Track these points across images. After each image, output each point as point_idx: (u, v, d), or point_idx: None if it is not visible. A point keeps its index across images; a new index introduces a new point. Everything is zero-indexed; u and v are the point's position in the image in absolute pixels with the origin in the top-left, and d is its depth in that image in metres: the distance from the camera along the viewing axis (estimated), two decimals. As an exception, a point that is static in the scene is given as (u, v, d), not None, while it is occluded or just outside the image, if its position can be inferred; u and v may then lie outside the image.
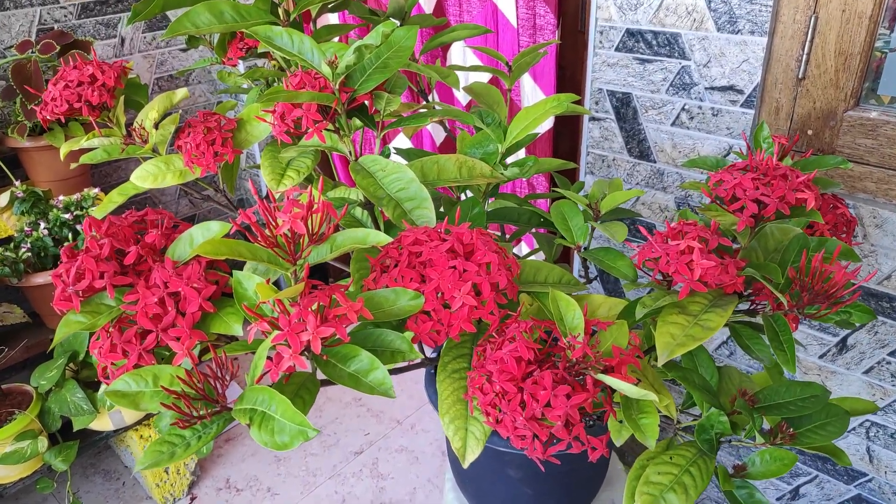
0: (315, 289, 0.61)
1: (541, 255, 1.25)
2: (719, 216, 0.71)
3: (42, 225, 1.79)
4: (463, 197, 1.06)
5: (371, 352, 0.65)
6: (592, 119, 1.52)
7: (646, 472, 0.72)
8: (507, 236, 1.30)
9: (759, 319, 0.75)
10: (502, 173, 0.86)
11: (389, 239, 0.62)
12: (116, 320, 0.60)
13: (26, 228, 1.79)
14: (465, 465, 0.68)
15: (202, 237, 0.64)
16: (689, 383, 0.70)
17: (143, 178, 1.00)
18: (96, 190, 1.99)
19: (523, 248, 1.85)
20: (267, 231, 0.59)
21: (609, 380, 0.62)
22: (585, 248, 0.88)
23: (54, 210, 1.82)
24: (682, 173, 1.43)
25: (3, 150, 1.96)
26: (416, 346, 0.66)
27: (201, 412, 0.58)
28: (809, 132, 1.27)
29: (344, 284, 0.62)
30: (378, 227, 0.90)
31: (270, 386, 0.59)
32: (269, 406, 0.58)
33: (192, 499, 1.97)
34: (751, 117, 1.31)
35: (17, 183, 1.86)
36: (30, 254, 1.75)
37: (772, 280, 0.71)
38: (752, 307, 0.76)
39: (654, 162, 1.46)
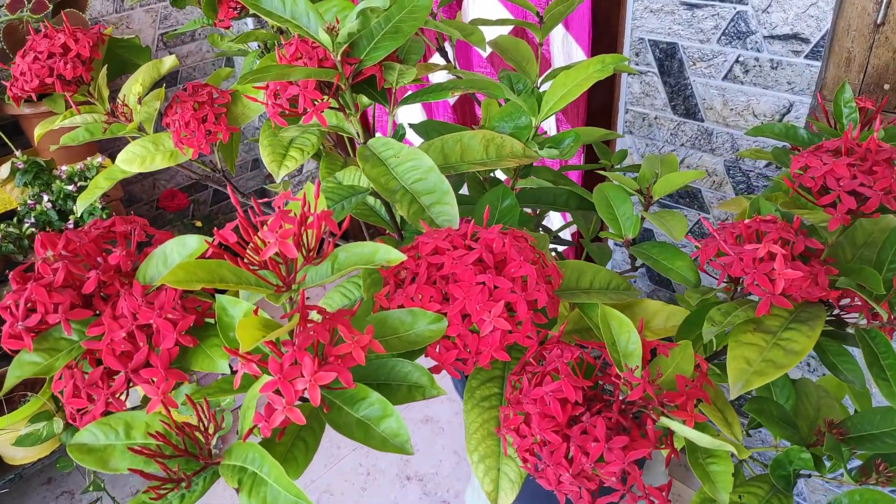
0: (312, 318, 0.49)
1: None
2: (807, 213, 0.58)
3: (45, 198, 1.70)
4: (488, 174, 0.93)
5: (383, 387, 0.54)
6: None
7: (711, 515, 0.61)
8: (538, 210, 1.18)
9: (849, 330, 0.62)
10: (536, 152, 0.73)
11: (402, 257, 0.50)
12: (79, 358, 0.50)
13: (29, 202, 1.70)
14: (498, 512, 0.58)
15: (178, 255, 0.53)
16: (766, 417, 0.59)
17: (129, 161, 0.89)
18: (101, 158, 1.89)
19: (553, 221, 1.71)
20: (252, 253, 0.48)
21: (676, 426, 0.51)
22: (634, 242, 0.75)
23: (57, 181, 1.73)
24: (734, 133, 1.28)
25: (2, 117, 1.86)
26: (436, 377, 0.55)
27: (181, 472, 0.48)
28: (886, 86, 1.11)
29: (348, 311, 0.51)
30: (393, 218, 0.78)
31: (263, 441, 0.49)
32: (262, 468, 0.47)
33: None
34: (816, 70, 1.14)
35: (18, 152, 1.77)
36: (34, 229, 1.67)
37: (866, 288, 0.58)
38: (838, 315, 0.64)
39: (702, 121, 1.31)
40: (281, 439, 0.54)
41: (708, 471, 0.54)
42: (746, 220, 0.59)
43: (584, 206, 0.83)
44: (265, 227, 0.47)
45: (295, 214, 0.48)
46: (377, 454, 1.95)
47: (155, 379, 0.50)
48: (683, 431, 0.51)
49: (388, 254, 0.50)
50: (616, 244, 1.52)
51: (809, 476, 0.63)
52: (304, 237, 0.49)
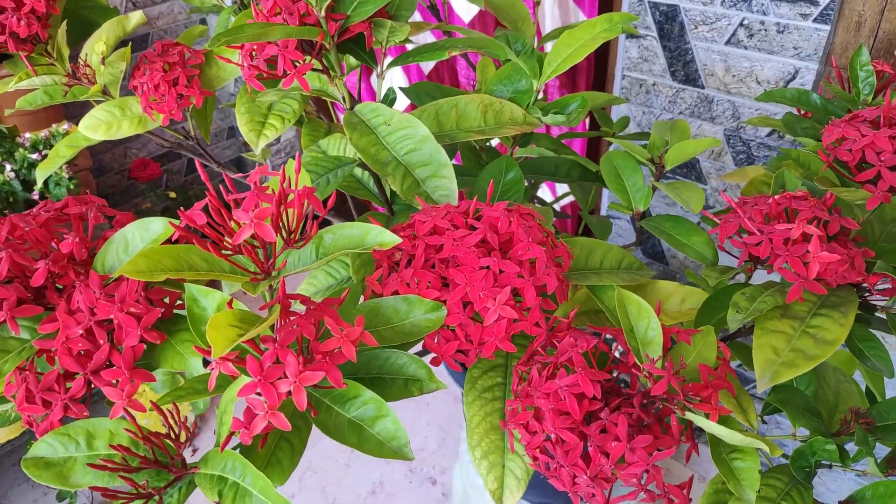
0: (295, 310, 0.43)
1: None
2: (846, 192, 0.52)
3: (8, 167, 1.60)
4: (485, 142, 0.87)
5: (377, 381, 0.49)
6: (630, 37, 1.29)
7: (728, 511, 0.57)
8: (532, 181, 1.12)
9: (879, 314, 0.58)
10: (539, 118, 0.67)
11: (397, 240, 0.44)
12: (31, 359, 0.44)
13: (-10, 171, 1.61)
14: (503, 513, 0.53)
15: (141, 240, 0.46)
16: (792, 407, 0.54)
17: (93, 128, 0.81)
18: (67, 125, 1.79)
19: (547, 194, 1.65)
20: (225, 237, 0.41)
21: (701, 421, 0.46)
22: (644, 215, 0.70)
23: (20, 150, 1.63)
24: (735, 101, 1.23)
25: (-41, 81, 1.75)
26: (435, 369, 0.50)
27: (150, 486, 0.42)
28: (897, 51, 1.06)
29: (335, 299, 0.45)
30: (383, 191, 0.72)
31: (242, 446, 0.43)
32: (244, 477, 0.42)
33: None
34: (825, 35, 1.09)
35: (-23, 119, 1.66)
36: (-4, 200, 1.57)
37: (903, 269, 0.53)
38: (864, 298, 0.59)
39: (702, 88, 1.25)
40: (263, 443, 0.49)
41: (732, 467, 0.50)
42: (776, 197, 0.54)
43: (588, 178, 0.77)
44: (239, 206, 0.41)
45: (273, 192, 0.42)
46: (362, 430, 1.91)
47: (118, 381, 0.44)
48: (710, 428, 0.46)
49: (381, 236, 0.44)
50: (615, 217, 1.47)
51: (830, 467, 0.59)
52: (284, 217, 0.43)
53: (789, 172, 0.60)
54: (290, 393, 0.41)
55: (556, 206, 1.75)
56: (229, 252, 0.43)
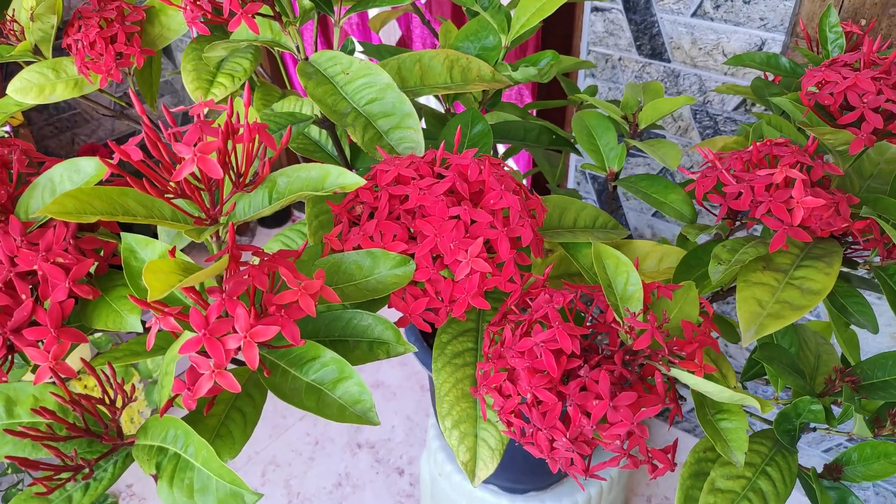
0: (247, 261, 0.39)
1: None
2: (829, 135, 0.50)
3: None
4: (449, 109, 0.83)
5: (339, 344, 0.45)
6: (595, 10, 1.27)
7: (711, 477, 0.54)
8: (499, 156, 1.09)
9: (861, 272, 0.56)
10: (509, 75, 0.63)
11: (360, 182, 0.40)
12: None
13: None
14: (476, 484, 0.50)
15: (70, 183, 0.41)
16: (778, 364, 0.52)
17: (24, 91, 0.75)
18: None
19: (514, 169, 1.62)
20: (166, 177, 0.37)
21: (687, 377, 0.43)
22: (617, 176, 0.67)
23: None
24: (702, 75, 1.21)
25: None
26: (404, 332, 0.46)
27: (79, 458, 0.37)
28: (863, 22, 1.05)
29: (291, 251, 0.41)
30: (342, 152, 0.67)
31: (188, 414, 0.39)
32: (186, 448, 0.37)
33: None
34: (791, 5, 1.08)
35: None
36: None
37: (889, 220, 0.51)
38: (847, 254, 0.57)
39: (669, 62, 1.23)
40: (211, 411, 0.44)
41: (719, 428, 0.47)
42: (757, 144, 0.51)
43: (559, 143, 0.74)
44: (180, 141, 0.36)
45: (219, 126, 0.37)
46: (325, 422, 1.86)
47: (43, 341, 0.38)
48: (697, 384, 0.43)
49: (342, 177, 0.40)
50: (584, 194, 1.44)
51: (815, 430, 0.57)
52: (233, 156, 0.38)
53: (766, 125, 0.58)
54: (239, 350, 0.36)
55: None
56: (171, 195, 0.38)
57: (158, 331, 0.38)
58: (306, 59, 0.58)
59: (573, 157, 1.38)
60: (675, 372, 0.43)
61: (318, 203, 0.57)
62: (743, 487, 0.54)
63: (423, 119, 0.81)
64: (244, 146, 0.38)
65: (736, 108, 1.21)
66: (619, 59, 1.29)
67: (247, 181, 0.39)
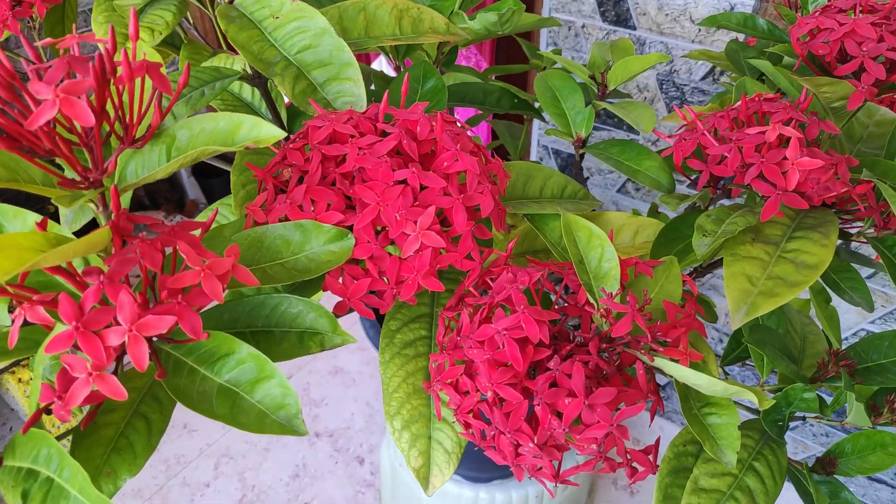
0: (138, 233, 0.31)
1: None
2: (827, 86, 0.44)
3: None
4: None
5: (262, 335, 0.37)
6: (558, -27, 1.20)
7: (694, 475, 0.49)
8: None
9: (854, 246, 0.51)
10: (466, 27, 0.56)
11: (279, 134, 0.32)
12: None
13: None
14: (430, 494, 0.43)
15: None
16: (770, 349, 0.46)
17: None
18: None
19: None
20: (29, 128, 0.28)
21: (673, 368, 0.37)
22: (585, 142, 0.60)
23: None
24: (668, 42, 1.16)
25: None
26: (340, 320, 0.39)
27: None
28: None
29: (199, 223, 0.33)
30: (277, 115, 0.59)
31: (78, 428, 0.31)
32: (60, 471, 0.30)
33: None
34: (762, -34, 1.02)
35: None
36: None
37: (888, 184, 0.46)
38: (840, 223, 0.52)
39: (634, 28, 1.17)
40: (108, 419, 0.36)
41: (707, 423, 0.41)
42: (746, 99, 0.45)
43: (521, 107, 0.67)
44: (39, 79, 0.28)
45: (95, 63, 0.29)
46: (281, 411, 1.78)
47: None
48: (685, 376, 0.37)
49: (257, 129, 0.32)
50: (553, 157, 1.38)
51: (804, 420, 0.52)
52: (118, 102, 0.30)
53: (751, 81, 0.52)
54: (124, 346, 0.29)
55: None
56: (36, 152, 0.30)
57: (24, 324, 0.30)
58: (231, 2, 0.50)
59: (536, 130, 1.32)
60: (660, 362, 0.37)
61: (246, 170, 0.49)
62: (729, 486, 0.48)
63: (373, 83, 0.74)
64: (133, 90, 0.30)
65: (704, 78, 1.15)
66: (583, 25, 1.22)
67: (135, 134, 0.31)
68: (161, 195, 2.09)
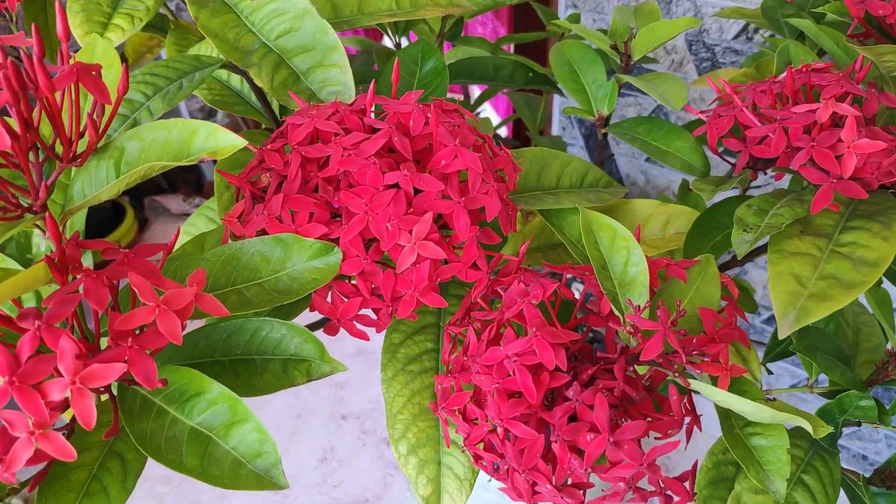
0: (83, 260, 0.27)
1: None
2: (890, 53, 0.38)
3: None
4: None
5: (241, 365, 0.33)
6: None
7: (736, 491, 0.44)
8: (472, 101, 0.95)
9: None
10: (470, -2, 0.50)
11: (238, 143, 0.28)
12: None
13: None
14: (442, 524, 0.39)
15: None
16: (822, 356, 0.41)
17: None
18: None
19: (491, 118, 1.48)
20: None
21: (715, 393, 0.32)
22: (608, 121, 0.54)
23: None
24: (696, 0, 1.07)
25: None
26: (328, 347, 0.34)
27: None
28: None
29: (160, 245, 0.29)
30: (267, 104, 0.54)
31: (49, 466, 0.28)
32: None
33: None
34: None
35: None
36: None
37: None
38: None
39: (660, -15, 1.09)
40: (79, 460, 0.33)
41: (750, 446, 0.36)
42: (792, 70, 0.39)
43: (537, 82, 0.61)
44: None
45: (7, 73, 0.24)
46: (307, 393, 1.77)
47: None
48: (728, 402, 0.32)
49: (213, 138, 0.27)
50: (570, 144, 1.31)
51: (859, 425, 0.46)
52: (56, 114, 0.26)
53: (795, 44, 0.45)
54: (68, 401, 0.25)
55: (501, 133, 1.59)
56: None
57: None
58: (204, -17, 0.45)
59: (556, 98, 1.25)
60: (697, 385, 0.32)
61: (233, 167, 0.45)
62: (776, 503, 0.43)
63: (375, 58, 0.68)
64: (54, 101, 0.25)
65: (736, 37, 1.07)
66: (605, -16, 1.14)
67: (75, 151, 0.27)
68: (178, 177, 2.06)
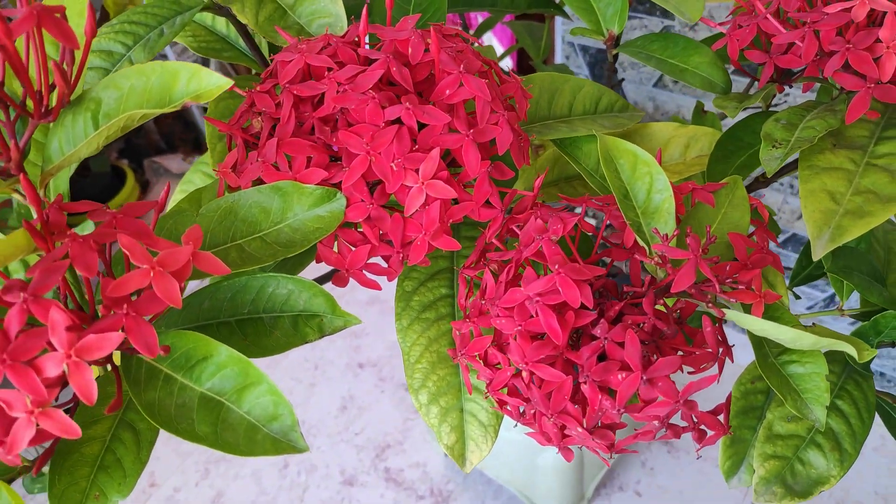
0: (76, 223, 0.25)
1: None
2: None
3: None
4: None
5: (249, 325, 0.32)
6: None
7: (767, 420, 0.42)
8: (471, 32, 0.91)
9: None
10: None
11: (223, 84, 0.25)
12: None
13: None
14: (467, 471, 0.38)
15: None
16: (858, 277, 0.39)
17: None
18: None
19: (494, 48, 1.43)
20: None
21: (752, 321, 0.30)
22: (619, 41, 0.51)
23: None
24: None
25: None
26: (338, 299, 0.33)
27: None
28: None
29: (150, 203, 0.27)
30: (257, 49, 0.51)
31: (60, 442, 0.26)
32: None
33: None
34: None
35: None
36: None
37: None
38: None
39: None
40: (90, 433, 0.32)
41: (786, 374, 0.34)
42: (822, -35, 0.36)
43: (540, 5, 0.57)
44: None
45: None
46: (323, 344, 1.78)
47: None
48: (765, 329, 0.30)
49: (196, 81, 0.25)
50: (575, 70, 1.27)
51: (893, 346, 0.44)
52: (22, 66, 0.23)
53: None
54: (65, 377, 0.23)
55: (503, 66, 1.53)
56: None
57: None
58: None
59: (559, 26, 1.20)
60: (732, 315, 0.30)
61: (224, 115, 0.42)
62: (809, 430, 0.42)
63: None
64: (16, 50, 0.23)
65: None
66: None
67: (47, 105, 0.24)
68: (176, 137, 2.03)
